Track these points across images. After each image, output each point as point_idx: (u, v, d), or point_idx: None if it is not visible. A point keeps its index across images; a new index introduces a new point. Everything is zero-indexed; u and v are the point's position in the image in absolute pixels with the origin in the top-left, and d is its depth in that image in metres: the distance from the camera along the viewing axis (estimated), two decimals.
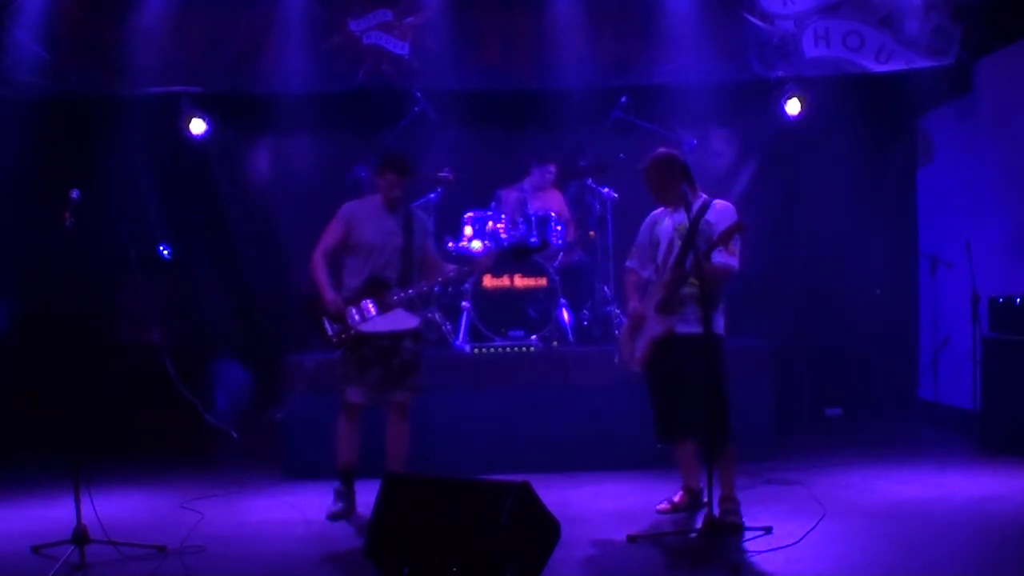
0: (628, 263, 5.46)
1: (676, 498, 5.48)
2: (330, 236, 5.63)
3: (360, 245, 5.58)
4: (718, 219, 5.11)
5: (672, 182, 5.18)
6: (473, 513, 4.05)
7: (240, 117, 8.48)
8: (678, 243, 5.08)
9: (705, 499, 5.16)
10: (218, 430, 7.33)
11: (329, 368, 5.79)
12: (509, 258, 5.82)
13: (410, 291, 5.55)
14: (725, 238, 4.85)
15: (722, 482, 5.09)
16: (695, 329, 4.94)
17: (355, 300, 5.51)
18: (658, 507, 5.45)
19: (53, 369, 6.00)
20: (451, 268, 5.86)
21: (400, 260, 5.57)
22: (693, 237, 4.97)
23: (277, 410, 7.17)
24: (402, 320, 5.52)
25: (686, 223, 5.02)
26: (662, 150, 5.33)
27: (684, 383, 5.04)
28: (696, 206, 5.15)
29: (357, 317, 5.49)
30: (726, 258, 4.98)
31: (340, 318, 5.48)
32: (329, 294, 5.50)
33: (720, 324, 5.19)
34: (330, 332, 5.51)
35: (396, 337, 5.52)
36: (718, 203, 5.23)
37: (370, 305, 5.50)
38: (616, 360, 5.48)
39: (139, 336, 7.53)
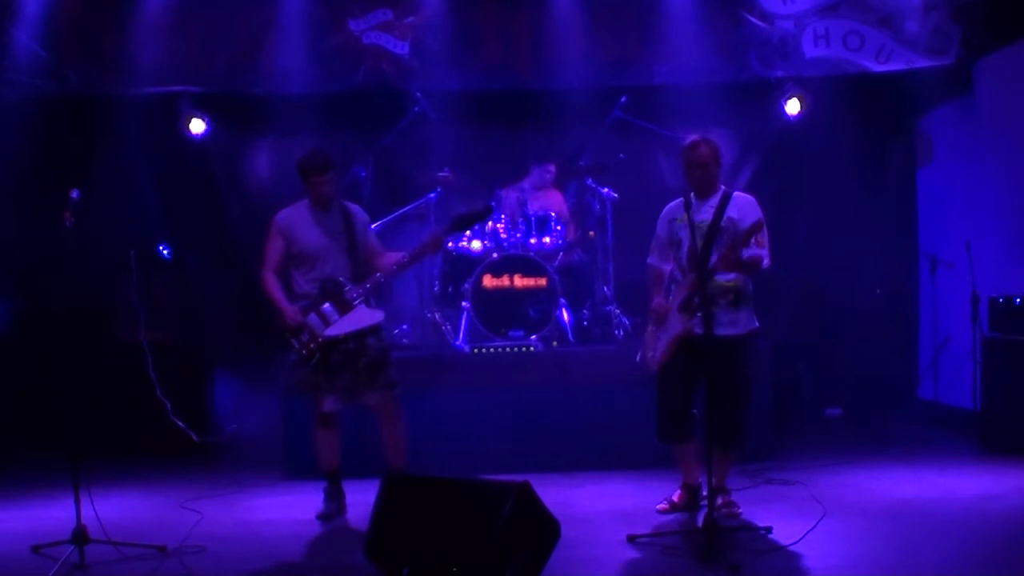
0: (649, 259, 5.38)
1: (675, 497, 5.45)
2: (273, 252, 5.50)
3: (304, 253, 5.47)
4: (742, 215, 5.04)
5: (718, 171, 5.15)
6: (473, 513, 4.04)
7: (240, 117, 8.47)
8: (700, 243, 4.98)
9: (704, 497, 5.19)
10: (182, 431, 7.31)
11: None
12: (454, 227, 5.66)
13: (367, 285, 5.46)
14: (746, 237, 4.80)
15: (719, 477, 5.10)
16: (725, 331, 4.95)
17: (314, 307, 5.41)
18: (658, 507, 5.43)
19: (53, 369, 6.00)
20: (400, 255, 5.62)
21: (348, 258, 5.48)
22: (714, 236, 4.92)
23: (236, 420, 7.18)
24: (366, 317, 5.43)
25: (708, 220, 4.98)
26: (703, 136, 5.22)
27: (707, 385, 4.94)
28: (717, 198, 5.11)
29: (320, 324, 5.39)
30: (755, 250, 4.90)
31: (302, 330, 5.38)
32: (288, 309, 5.40)
33: (753, 322, 5.16)
34: (296, 345, 5.40)
35: (361, 336, 5.42)
36: (739, 196, 5.17)
37: (330, 308, 5.41)
38: (637, 358, 5.38)
39: (139, 336, 7.53)
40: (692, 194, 5.07)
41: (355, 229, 5.52)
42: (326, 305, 5.40)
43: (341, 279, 5.44)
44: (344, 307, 5.41)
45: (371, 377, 5.46)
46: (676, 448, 5.39)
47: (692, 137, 5.23)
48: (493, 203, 7.75)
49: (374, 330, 5.49)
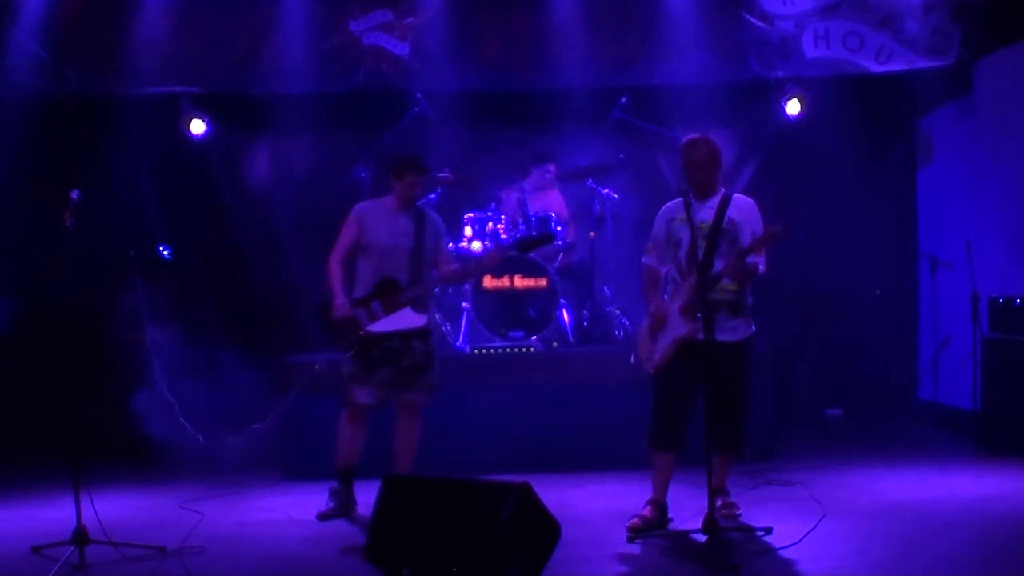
0: (645, 259, 5.27)
1: (647, 512, 5.13)
2: (345, 239, 5.65)
3: (371, 246, 5.59)
4: (743, 217, 4.99)
5: (717, 172, 5.11)
6: (473, 513, 4.04)
7: (240, 117, 8.47)
8: (702, 243, 4.92)
9: (671, 516, 5.15)
10: (189, 433, 7.29)
11: (335, 369, 5.77)
12: (515, 253, 5.79)
13: (417, 290, 5.56)
14: (759, 246, 4.77)
15: (719, 479, 5.06)
16: (725, 336, 4.89)
17: (366, 302, 5.53)
18: (629, 523, 5.05)
19: (53, 369, 6.00)
20: (454, 267, 5.85)
21: (409, 261, 5.57)
22: (717, 238, 4.88)
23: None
24: (409, 319, 5.53)
25: (709, 222, 4.94)
26: (703, 136, 5.17)
27: (708, 390, 4.77)
28: (716, 200, 5.05)
29: (365, 318, 5.51)
30: (752, 258, 4.85)
31: (349, 321, 5.49)
32: (338, 299, 5.52)
33: (750, 328, 5.11)
34: (339, 333, 5.53)
35: (405, 337, 5.53)
36: (738, 198, 5.10)
37: (379, 306, 5.52)
38: (632, 360, 5.32)
39: (139, 336, 7.53)
40: (691, 194, 5.00)
41: (425, 235, 5.64)
42: (376, 302, 5.52)
43: (398, 279, 5.54)
44: (391, 307, 5.52)
45: (412, 378, 5.57)
46: (659, 457, 5.15)
47: (691, 136, 5.18)
48: (493, 204, 7.76)
49: (420, 334, 5.60)
